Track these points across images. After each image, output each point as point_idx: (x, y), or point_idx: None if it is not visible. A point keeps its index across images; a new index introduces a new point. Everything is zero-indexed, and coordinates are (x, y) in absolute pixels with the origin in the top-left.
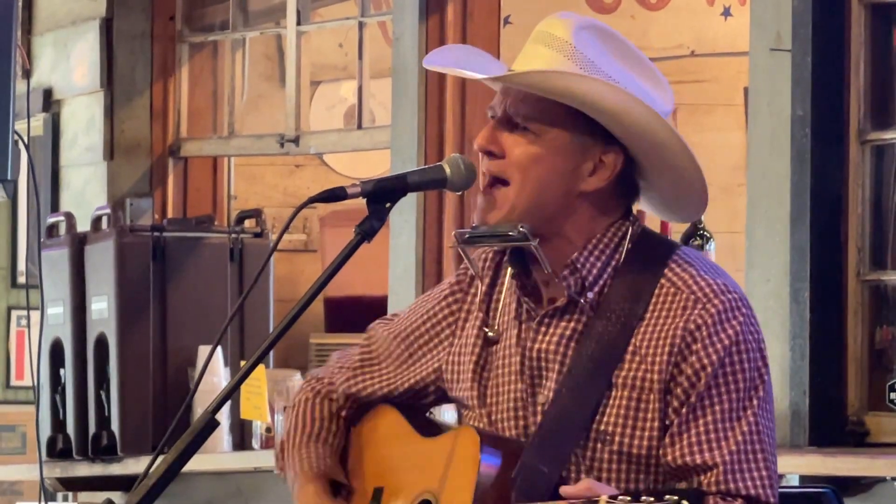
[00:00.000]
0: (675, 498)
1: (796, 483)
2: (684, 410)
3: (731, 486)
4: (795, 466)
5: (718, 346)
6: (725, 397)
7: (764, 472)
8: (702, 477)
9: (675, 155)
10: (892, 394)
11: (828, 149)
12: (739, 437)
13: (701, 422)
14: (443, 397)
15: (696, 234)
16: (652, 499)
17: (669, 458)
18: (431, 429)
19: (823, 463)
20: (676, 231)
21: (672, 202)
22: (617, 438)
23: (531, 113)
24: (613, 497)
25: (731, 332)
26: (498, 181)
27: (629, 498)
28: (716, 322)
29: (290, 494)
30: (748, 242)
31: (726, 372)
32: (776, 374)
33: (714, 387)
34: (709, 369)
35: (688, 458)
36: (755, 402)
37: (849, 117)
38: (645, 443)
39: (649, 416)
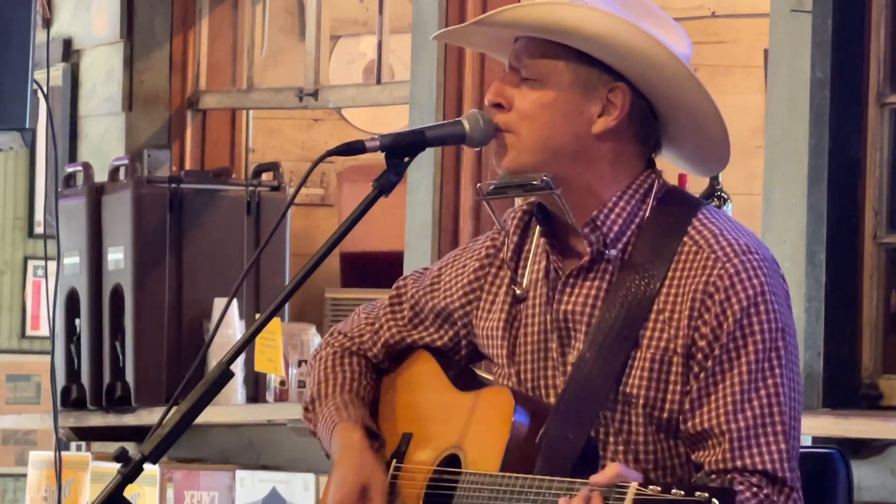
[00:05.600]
0: (706, 495)
1: (809, 444)
2: (702, 376)
3: (748, 461)
4: (808, 428)
5: (736, 306)
6: (744, 360)
7: (783, 446)
8: (717, 449)
9: (682, 85)
10: None
11: (846, 111)
12: (757, 410)
13: (719, 388)
14: (475, 354)
15: (713, 196)
16: (682, 492)
17: (689, 425)
18: (467, 381)
19: (836, 425)
20: (692, 192)
21: (694, 150)
22: (641, 401)
23: (532, 60)
24: (643, 485)
25: (750, 292)
26: (506, 131)
27: (659, 488)
28: (734, 283)
29: (316, 446)
30: (765, 204)
31: (745, 334)
32: None
33: (729, 351)
34: (723, 336)
35: (704, 427)
36: (777, 370)
37: (868, 80)
38: (667, 406)
39: (672, 378)
